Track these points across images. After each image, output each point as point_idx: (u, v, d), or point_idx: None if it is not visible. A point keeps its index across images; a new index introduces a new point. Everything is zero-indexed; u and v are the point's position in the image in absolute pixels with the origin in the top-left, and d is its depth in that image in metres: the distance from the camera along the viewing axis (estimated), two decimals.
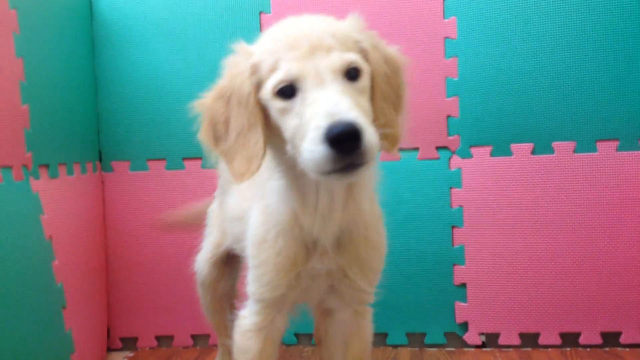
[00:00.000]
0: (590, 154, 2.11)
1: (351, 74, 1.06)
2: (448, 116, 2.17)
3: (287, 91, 1.06)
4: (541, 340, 2.17)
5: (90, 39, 2.27)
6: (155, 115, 2.30)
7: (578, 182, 2.12)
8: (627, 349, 2.11)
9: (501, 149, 2.15)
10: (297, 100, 1.04)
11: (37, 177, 1.81)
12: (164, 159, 2.31)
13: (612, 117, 2.10)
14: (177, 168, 2.30)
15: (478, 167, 2.17)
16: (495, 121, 2.15)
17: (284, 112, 1.07)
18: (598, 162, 2.10)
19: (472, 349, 2.20)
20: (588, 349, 2.14)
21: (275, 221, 1.24)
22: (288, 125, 1.06)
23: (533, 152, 2.14)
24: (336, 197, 1.18)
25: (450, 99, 2.17)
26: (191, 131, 2.24)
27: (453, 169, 2.18)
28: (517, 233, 2.15)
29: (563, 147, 2.12)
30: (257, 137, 1.13)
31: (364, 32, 1.17)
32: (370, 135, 0.96)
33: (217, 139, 1.20)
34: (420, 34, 2.17)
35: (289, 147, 1.08)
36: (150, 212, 2.30)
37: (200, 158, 2.27)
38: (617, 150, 2.09)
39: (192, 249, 1.79)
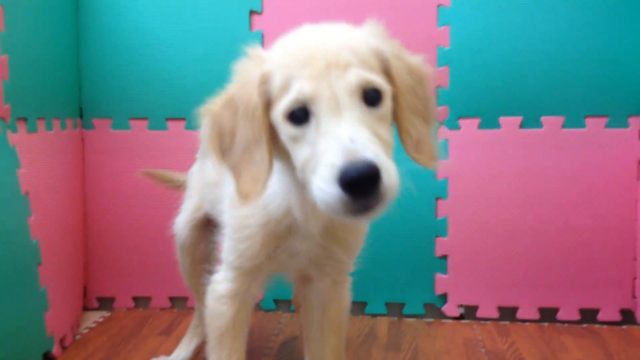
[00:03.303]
0: (579, 129, 2.09)
1: (371, 96, 0.97)
2: (438, 86, 2.14)
3: (300, 115, 0.97)
4: (519, 315, 2.17)
5: None
6: (139, 73, 2.24)
7: (565, 157, 2.10)
8: (605, 326, 2.13)
9: (489, 122, 2.13)
10: (310, 127, 0.96)
11: (14, 131, 1.76)
12: (146, 119, 2.26)
13: (601, 94, 2.09)
14: (159, 128, 2.25)
15: (465, 139, 2.15)
16: (485, 93, 2.13)
17: (296, 140, 0.99)
18: (586, 137, 2.09)
19: (451, 321, 2.21)
20: (566, 325, 2.15)
21: (268, 211, 1.20)
22: (299, 154, 0.98)
23: (521, 125, 2.12)
24: None
25: (440, 68, 2.13)
26: (175, 91, 2.22)
27: (440, 140, 2.16)
28: (501, 207, 2.15)
29: (551, 122, 2.10)
30: (263, 154, 1.04)
31: (386, 40, 1.08)
32: (390, 174, 0.89)
33: (224, 150, 1.10)
34: (412, 0, 2.13)
35: (299, 174, 1.01)
36: (131, 172, 2.26)
37: (183, 119, 2.23)
38: (606, 126, 2.08)
39: (172, 210, 1.76)
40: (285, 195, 1.17)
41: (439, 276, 2.20)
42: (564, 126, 2.10)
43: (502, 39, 2.10)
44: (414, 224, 2.19)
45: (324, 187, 0.89)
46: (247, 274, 1.30)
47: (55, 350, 1.85)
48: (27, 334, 1.73)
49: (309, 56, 0.98)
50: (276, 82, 1.01)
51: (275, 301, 2.30)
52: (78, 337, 2.07)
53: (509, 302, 2.18)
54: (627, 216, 2.10)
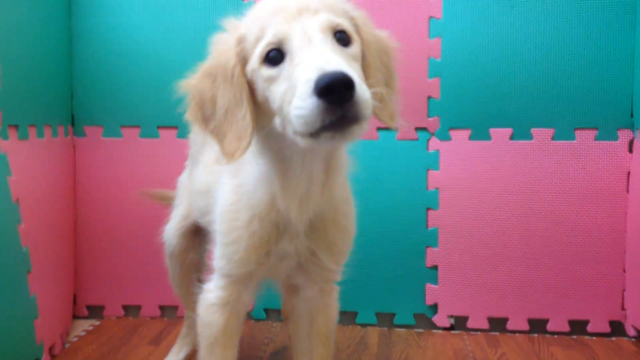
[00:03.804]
0: (569, 141, 2.11)
1: (340, 37, 1.03)
2: (429, 97, 2.15)
3: (275, 57, 1.01)
4: (509, 326, 2.18)
5: None
6: (131, 80, 2.24)
7: (555, 169, 2.12)
8: (594, 338, 2.13)
9: (480, 133, 2.14)
10: (285, 65, 1.00)
11: (5, 138, 1.75)
12: (138, 127, 2.26)
13: (591, 106, 2.10)
14: (151, 136, 2.25)
15: (456, 150, 2.16)
16: (476, 105, 2.14)
17: (272, 80, 1.02)
18: (576, 150, 2.10)
19: (441, 331, 2.21)
20: (555, 336, 2.15)
21: (251, 205, 1.21)
22: (276, 92, 1.01)
23: (512, 137, 2.13)
24: (315, 182, 1.16)
25: (432, 79, 2.15)
26: (167, 99, 2.20)
27: (431, 151, 2.17)
28: (491, 217, 2.15)
29: (542, 134, 2.12)
30: (244, 111, 1.08)
31: (354, 8, 1.14)
32: (363, 89, 0.91)
33: (205, 119, 1.14)
34: (404, 12, 2.15)
35: (277, 120, 1.03)
36: (122, 180, 2.27)
37: (175, 127, 2.23)
38: (595, 139, 2.09)
39: (163, 218, 1.76)
40: (267, 183, 1.18)
41: (430, 286, 2.20)
42: (553, 138, 2.11)
43: (493, 51, 2.12)
44: (405, 234, 2.19)
45: (302, 102, 0.91)
46: (237, 281, 1.30)
47: (45, 358, 1.84)
48: (16, 342, 1.72)
49: (281, 6, 1.05)
50: (251, 37, 1.07)
51: (266, 310, 2.29)
52: (67, 345, 2.06)
53: (499, 313, 2.18)
54: (616, 228, 2.11)
